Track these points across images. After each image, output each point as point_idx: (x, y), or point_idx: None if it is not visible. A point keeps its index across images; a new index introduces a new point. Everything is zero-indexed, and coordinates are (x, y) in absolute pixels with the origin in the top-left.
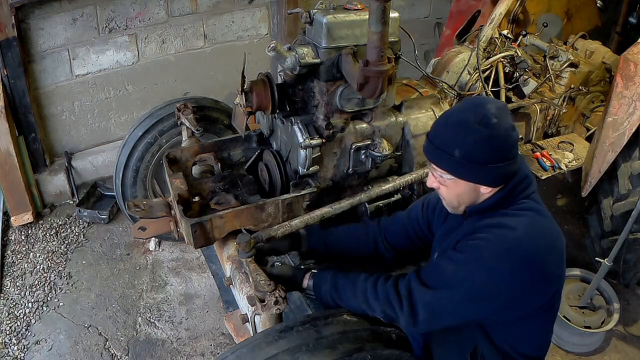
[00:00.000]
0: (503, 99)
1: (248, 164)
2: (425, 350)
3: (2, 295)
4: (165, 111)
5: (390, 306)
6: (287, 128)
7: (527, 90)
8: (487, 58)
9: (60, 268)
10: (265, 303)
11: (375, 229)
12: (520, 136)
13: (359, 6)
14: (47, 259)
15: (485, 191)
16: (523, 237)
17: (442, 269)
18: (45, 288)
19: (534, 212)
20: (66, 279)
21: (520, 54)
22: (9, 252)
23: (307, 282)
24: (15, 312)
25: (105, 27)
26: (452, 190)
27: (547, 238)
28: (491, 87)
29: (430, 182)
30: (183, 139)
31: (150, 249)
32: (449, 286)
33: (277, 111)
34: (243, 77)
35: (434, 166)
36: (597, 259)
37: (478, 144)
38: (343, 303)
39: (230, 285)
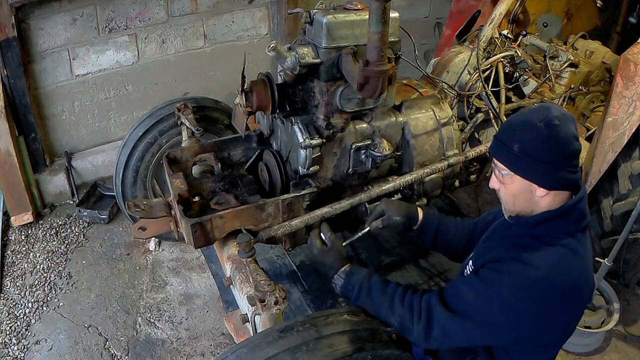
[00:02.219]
0: (503, 99)
1: (248, 164)
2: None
3: (2, 295)
4: (165, 111)
5: (410, 314)
6: (287, 128)
7: (527, 90)
8: (487, 58)
9: (60, 268)
10: (265, 303)
11: (467, 230)
12: None
13: (359, 6)
14: (47, 259)
15: (541, 194)
16: (544, 279)
17: (462, 295)
18: (45, 288)
19: (569, 250)
20: (66, 279)
21: (520, 54)
22: (9, 252)
23: (338, 273)
24: (15, 312)
25: (105, 27)
26: (509, 189)
27: (569, 282)
28: (491, 87)
29: (492, 183)
30: (183, 139)
31: (150, 249)
32: (465, 313)
33: (277, 111)
34: (243, 77)
35: (495, 161)
36: (597, 259)
37: (536, 141)
38: (369, 299)
39: (230, 285)
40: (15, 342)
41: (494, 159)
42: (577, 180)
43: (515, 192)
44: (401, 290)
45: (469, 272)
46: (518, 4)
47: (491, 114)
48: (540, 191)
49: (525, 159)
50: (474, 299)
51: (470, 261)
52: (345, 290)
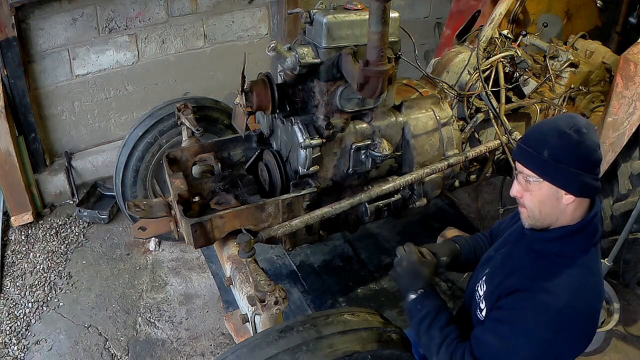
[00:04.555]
0: (503, 99)
1: (248, 164)
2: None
3: (2, 295)
4: (165, 111)
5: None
6: (287, 128)
7: (527, 90)
8: (487, 58)
9: (60, 268)
10: (265, 303)
11: (487, 244)
12: None
13: (359, 6)
14: (47, 259)
15: (567, 202)
16: (567, 306)
17: (488, 344)
18: (45, 288)
19: (585, 269)
20: (66, 279)
21: (520, 54)
22: (9, 252)
23: (416, 292)
24: (15, 312)
25: (105, 27)
26: (535, 196)
27: (589, 303)
28: (491, 87)
29: (514, 191)
30: (183, 139)
31: (150, 249)
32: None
33: (277, 111)
34: (243, 77)
35: (521, 167)
36: None
37: (567, 147)
38: (426, 328)
39: (230, 285)
40: (15, 342)
41: (519, 165)
42: (599, 188)
43: (542, 198)
44: (455, 334)
45: (480, 294)
46: (518, 4)
47: (491, 114)
48: (567, 198)
49: (556, 165)
50: (500, 345)
51: (483, 281)
52: (414, 308)
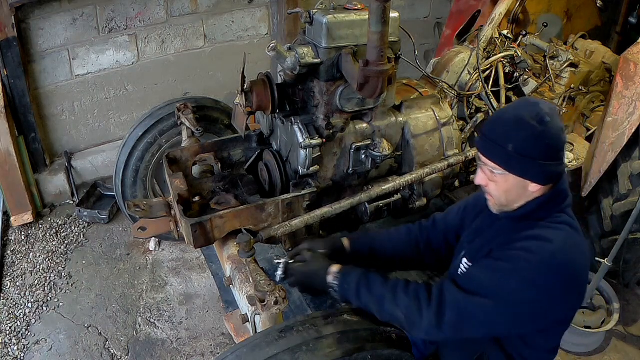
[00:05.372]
0: (503, 99)
1: (248, 164)
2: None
3: (2, 295)
4: (165, 111)
5: (417, 302)
6: (287, 128)
7: (527, 90)
8: (487, 58)
9: (60, 268)
10: (265, 303)
11: (417, 232)
12: None
13: (359, 6)
14: (47, 259)
15: (534, 190)
16: (560, 251)
17: (476, 277)
18: (45, 288)
19: (570, 227)
20: (66, 279)
21: (520, 54)
22: (9, 252)
23: (332, 275)
24: (15, 312)
25: (105, 27)
26: (501, 186)
27: (579, 254)
28: (491, 87)
29: (479, 180)
30: (183, 139)
31: (150, 249)
32: (482, 293)
33: (277, 111)
34: (243, 77)
35: (486, 160)
36: (597, 259)
37: (532, 139)
38: (369, 294)
39: (230, 285)
40: (15, 342)
41: (483, 157)
42: (564, 171)
43: (508, 188)
44: (403, 281)
45: (464, 270)
46: (518, 4)
47: (491, 114)
48: (533, 186)
49: (521, 159)
50: (490, 278)
51: (464, 259)
52: (343, 290)
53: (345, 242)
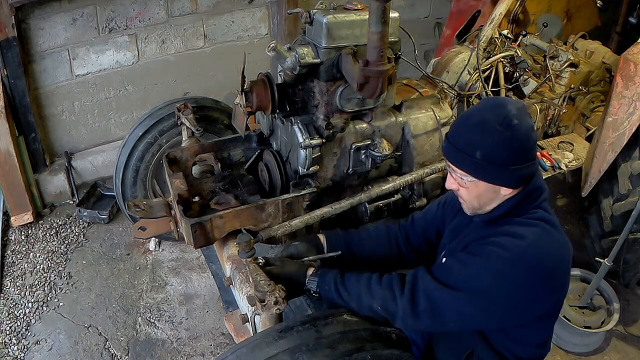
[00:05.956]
0: None
1: (248, 164)
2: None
3: (2, 295)
4: (165, 111)
5: (391, 292)
6: (287, 128)
7: (527, 90)
8: (487, 58)
9: (60, 268)
10: (265, 303)
11: (396, 231)
12: None
13: (359, 6)
14: (47, 259)
15: (506, 192)
16: (531, 246)
17: (449, 268)
18: (45, 288)
19: (545, 222)
20: (66, 279)
21: (520, 54)
22: (9, 252)
23: (309, 278)
24: (15, 312)
25: (105, 27)
26: (472, 191)
27: (555, 248)
28: (491, 87)
29: (450, 184)
30: (183, 139)
31: (150, 249)
32: (454, 284)
33: (277, 111)
34: (243, 77)
35: (454, 167)
36: (597, 259)
37: (499, 145)
38: (347, 292)
39: (230, 285)
40: (15, 342)
41: (451, 165)
42: (536, 171)
43: (479, 193)
44: (376, 275)
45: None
46: (518, 4)
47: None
48: (505, 190)
49: (490, 166)
50: (461, 270)
51: (445, 259)
52: (322, 290)
53: (321, 237)
